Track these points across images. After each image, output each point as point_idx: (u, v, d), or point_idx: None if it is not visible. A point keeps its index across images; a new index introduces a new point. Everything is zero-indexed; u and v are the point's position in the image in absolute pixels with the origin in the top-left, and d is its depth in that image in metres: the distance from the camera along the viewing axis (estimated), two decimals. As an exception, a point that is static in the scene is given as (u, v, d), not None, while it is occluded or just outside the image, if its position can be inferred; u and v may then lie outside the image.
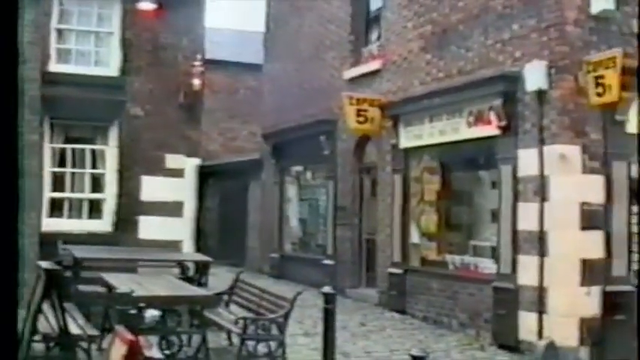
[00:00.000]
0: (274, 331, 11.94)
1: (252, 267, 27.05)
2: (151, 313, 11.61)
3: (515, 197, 14.17)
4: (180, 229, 19.09)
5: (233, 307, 13.97)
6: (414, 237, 17.83)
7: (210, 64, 33.12)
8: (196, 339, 11.88)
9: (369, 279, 19.98)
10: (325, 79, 21.83)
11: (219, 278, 21.97)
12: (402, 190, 17.92)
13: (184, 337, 11.79)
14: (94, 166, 18.31)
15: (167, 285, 12.67)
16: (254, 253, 27.62)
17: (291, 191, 25.44)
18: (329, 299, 11.39)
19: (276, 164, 25.58)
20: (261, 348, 11.91)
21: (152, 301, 11.29)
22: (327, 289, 11.56)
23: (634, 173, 13.81)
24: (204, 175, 32.24)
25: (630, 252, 13.70)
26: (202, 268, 16.87)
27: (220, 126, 34.21)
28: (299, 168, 25.04)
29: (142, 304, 10.05)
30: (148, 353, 11.44)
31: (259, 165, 27.15)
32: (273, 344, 11.91)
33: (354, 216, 20.65)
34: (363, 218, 20.52)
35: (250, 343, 11.81)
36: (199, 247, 31.47)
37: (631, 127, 13.59)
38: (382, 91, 18.78)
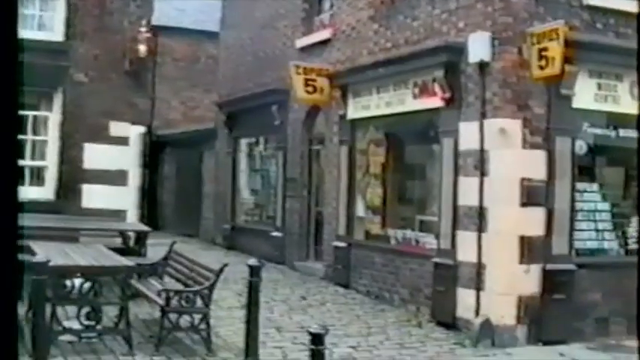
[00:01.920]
0: (199, 303, 11.59)
1: (206, 238, 26.81)
2: (78, 283, 11.20)
3: (456, 171, 13.83)
4: (124, 199, 18.57)
5: (166, 279, 13.64)
6: (360, 210, 17.50)
7: (173, 31, 32.87)
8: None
9: (317, 252, 19.65)
10: (278, 48, 21.41)
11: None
12: (348, 163, 17.56)
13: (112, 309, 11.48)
14: (35, 133, 17.79)
15: (92, 255, 12.26)
16: (208, 223, 27.31)
17: (244, 162, 25.07)
18: (254, 272, 10.99)
19: (229, 134, 25.14)
20: (185, 320, 11.59)
21: (69, 271, 10.94)
22: (252, 261, 11.16)
23: (578, 149, 13.51)
24: (162, 144, 31.99)
25: (572, 230, 13.37)
26: (141, 238, 16.51)
27: (181, 94, 33.69)
28: (252, 138, 24.64)
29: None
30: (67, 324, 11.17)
31: (214, 134, 26.72)
32: (197, 317, 11.57)
33: (303, 188, 20.30)
34: (312, 190, 20.19)
35: (174, 315, 11.49)
36: (155, 217, 31.36)
37: (577, 102, 13.25)
38: (332, 60, 18.37)
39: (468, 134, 13.50)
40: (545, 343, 12.89)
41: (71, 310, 11.31)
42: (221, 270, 11.55)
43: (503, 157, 13.00)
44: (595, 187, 13.98)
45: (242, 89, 23.49)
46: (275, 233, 21.18)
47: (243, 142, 25.08)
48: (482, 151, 13.15)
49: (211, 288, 11.57)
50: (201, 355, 11.37)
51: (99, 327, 11.13)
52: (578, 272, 13.29)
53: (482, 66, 13.19)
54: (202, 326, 11.54)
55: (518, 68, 12.98)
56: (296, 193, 20.39)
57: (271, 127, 21.48)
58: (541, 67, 12.63)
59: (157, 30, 30.98)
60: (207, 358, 11.24)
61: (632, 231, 14.35)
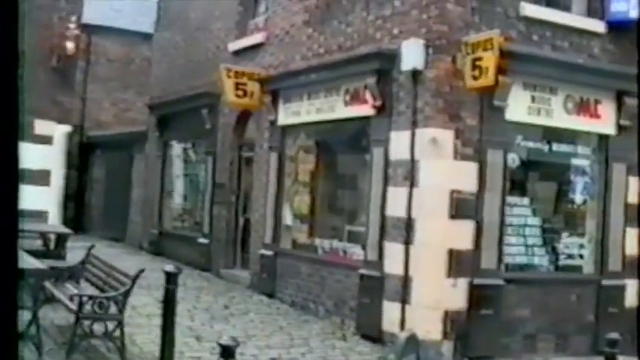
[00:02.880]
0: (113, 309, 11.12)
1: (133, 242, 26.27)
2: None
3: (386, 181, 13.50)
4: (46, 199, 18.02)
5: (84, 284, 13.16)
6: (287, 218, 17.13)
7: (107, 31, 32.28)
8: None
9: (244, 260, 19.22)
10: (211, 51, 20.94)
11: (99, 252, 21.14)
12: (277, 169, 17.16)
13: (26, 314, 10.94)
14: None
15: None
16: (136, 228, 26.72)
17: (174, 166, 24.52)
18: (171, 278, 10.56)
19: (159, 137, 24.59)
20: (98, 327, 11.11)
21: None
22: (169, 267, 10.74)
23: (510, 162, 13.28)
24: (92, 145, 31.36)
25: (501, 244, 13.12)
26: (61, 241, 16.03)
27: (114, 96, 33.02)
28: (182, 142, 24.12)
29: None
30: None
31: (144, 137, 26.14)
32: (110, 324, 11.10)
33: (231, 194, 19.86)
34: (241, 197, 19.75)
35: (87, 322, 11.01)
36: (82, 220, 30.74)
37: (510, 114, 13.02)
38: (264, 65, 17.95)
39: (398, 144, 13.19)
40: (472, 359, 12.60)
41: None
42: (137, 276, 11.09)
43: (433, 167, 12.71)
44: (526, 201, 13.82)
45: (174, 92, 23.00)
46: (202, 240, 20.71)
47: (174, 146, 24.53)
48: (412, 161, 12.84)
49: (126, 294, 11.11)
50: (114, 363, 10.91)
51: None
52: (507, 287, 13.08)
53: (415, 74, 12.87)
54: (116, 333, 11.06)
55: (451, 77, 12.70)
56: (224, 200, 19.95)
57: (202, 131, 21.02)
58: (474, 77, 12.36)
59: (91, 29, 30.66)
60: (120, 367, 10.78)
61: (561, 247, 14.21)
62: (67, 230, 16.24)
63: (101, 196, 30.58)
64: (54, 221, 18.08)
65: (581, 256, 14.50)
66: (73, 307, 11.06)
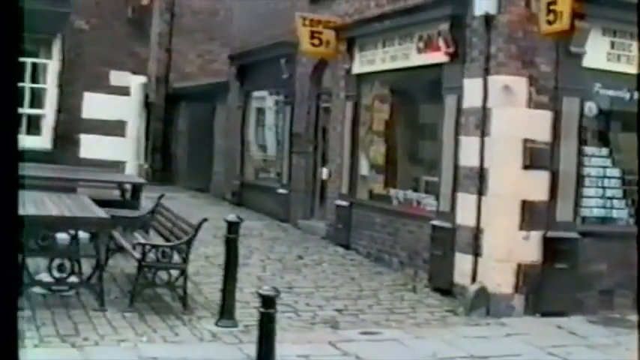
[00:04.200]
0: (176, 258, 11.07)
1: (216, 193, 26.36)
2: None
3: (458, 131, 13.13)
4: (123, 150, 18.00)
5: (152, 234, 13.16)
6: (363, 169, 16.87)
7: (192, -16, 32.27)
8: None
9: (322, 211, 19.04)
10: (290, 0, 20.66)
11: (182, 203, 21.28)
12: (352, 119, 16.89)
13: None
14: (34, 81, 17.21)
15: (70, 205, 11.73)
16: (219, 179, 26.78)
17: (254, 116, 24.45)
18: (232, 228, 10.45)
19: (240, 87, 24.51)
20: (162, 276, 11.10)
21: (40, 221, 10.38)
22: (231, 217, 10.65)
23: (588, 111, 12.79)
24: (177, 97, 31.46)
25: (577, 196, 12.67)
26: (137, 191, 16.07)
27: (199, 48, 32.95)
28: (262, 92, 23.96)
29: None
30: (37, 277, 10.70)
31: (226, 88, 26.08)
32: (174, 272, 11.06)
33: (309, 144, 19.68)
34: (319, 147, 19.52)
35: (150, 271, 11.03)
36: (169, 172, 30.98)
37: (588, 61, 12.50)
38: (340, 13, 17.63)
39: (471, 91, 12.79)
40: (544, 315, 12.25)
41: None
42: (200, 225, 11.00)
43: (505, 116, 12.30)
44: (605, 151, 13.25)
45: (254, 42, 22.81)
46: (281, 190, 20.61)
47: (254, 96, 24.42)
48: (484, 109, 12.44)
49: (189, 243, 11.05)
50: (176, 312, 10.86)
51: (70, 280, 10.60)
52: (583, 241, 12.62)
53: (488, 19, 12.42)
54: (179, 282, 11.02)
55: (525, 23, 12.22)
56: (302, 150, 19.77)
57: (280, 80, 20.83)
58: (549, 22, 11.87)
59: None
60: (182, 315, 10.74)
61: (645, 199, 13.63)
62: (141, 180, 16.32)
63: (186, 148, 30.70)
64: (131, 172, 18.06)
65: (663, 209, 13.93)
66: (137, 255, 11.05)
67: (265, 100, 23.87)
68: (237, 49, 24.88)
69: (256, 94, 24.30)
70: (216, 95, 27.53)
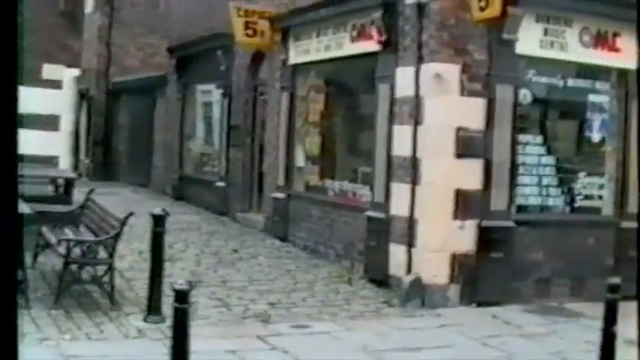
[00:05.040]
0: (102, 254, 10.80)
1: (157, 187, 26.05)
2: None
3: (391, 120, 12.96)
4: (56, 144, 17.70)
5: (83, 229, 12.87)
6: (299, 160, 16.68)
7: (131, -25, 31.83)
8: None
9: (260, 203, 18.82)
10: (227, -11, 20.36)
11: (122, 198, 20.97)
12: (288, 110, 16.67)
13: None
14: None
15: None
16: (159, 173, 26.48)
17: (192, 109, 24.15)
18: (158, 222, 10.19)
19: (178, 80, 24.24)
20: (87, 272, 10.84)
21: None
22: (157, 210, 10.37)
23: (522, 98, 12.67)
24: (117, 92, 31.05)
25: (512, 184, 12.56)
26: (69, 186, 15.77)
27: (139, 41, 32.50)
28: (200, 84, 23.72)
29: None
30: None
31: (165, 81, 25.75)
32: (100, 268, 10.79)
33: (246, 136, 19.44)
34: (256, 139, 19.28)
35: (76, 267, 10.76)
36: (110, 167, 30.62)
37: (521, 48, 12.37)
38: (275, 2, 17.40)
39: (404, 80, 12.62)
40: (480, 304, 12.14)
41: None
42: (126, 219, 10.75)
43: (438, 104, 12.13)
44: (540, 139, 13.16)
45: (192, 34, 22.51)
46: (219, 183, 20.37)
47: (192, 89, 24.18)
48: (417, 97, 12.27)
49: (116, 238, 10.78)
50: (104, 309, 10.59)
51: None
52: (518, 229, 12.53)
53: (420, 6, 12.24)
54: (105, 279, 10.74)
55: (457, 9, 12.06)
56: (240, 142, 19.54)
57: (217, 72, 20.56)
58: (481, 9, 11.73)
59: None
60: (110, 312, 10.47)
61: (579, 187, 13.58)
62: (73, 175, 16.07)
63: (127, 142, 30.37)
64: (65, 166, 17.75)
65: (600, 197, 13.87)
66: (62, 251, 10.77)
67: (203, 92, 23.58)
68: (176, 41, 24.56)
69: (194, 86, 24.05)
70: (155, 89, 27.21)
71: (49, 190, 16.42)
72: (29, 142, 16.32)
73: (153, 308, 10.12)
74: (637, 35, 11.67)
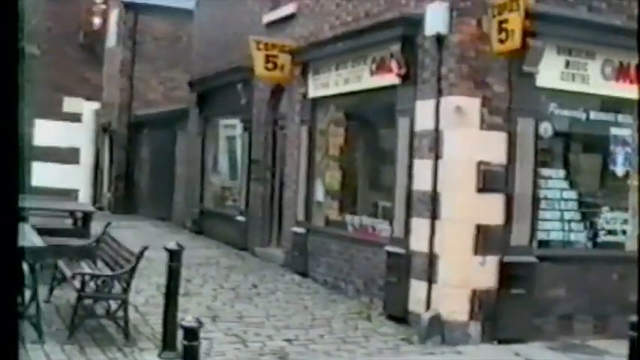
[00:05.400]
0: (117, 289, 10.68)
1: (178, 221, 25.99)
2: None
3: (411, 154, 12.82)
4: (76, 178, 17.71)
5: (100, 263, 12.78)
6: (319, 194, 16.54)
7: (153, 10, 31.91)
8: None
9: (279, 238, 18.68)
10: (246, 24, 20.34)
11: (142, 232, 20.91)
12: (307, 144, 16.58)
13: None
14: (-17, 107, 16.82)
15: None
16: (180, 207, 26.46)
17: (213, 143, 24.13)
18: (174, 256, 10.06)
19: (199, 114, 24.27)
20: (101, 307, 10.73)
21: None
22: (172, 245, 10.23)
23: (543, 132, 12.50)
24: (139, 125, 31.10)
25: (534, 219, 12.35)
26: (87, 219, 15.71)
27: (161, 75, 32.59)
28: (220, 118, 23.71)
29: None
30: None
31: (187, 115, 25.77)
32: (114, 303, 10.67)
33: (266, 170, 19.37)
34: (277, 173, 19.18)
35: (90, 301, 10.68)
36: (132, 200, 30.62)
37: (541, 80, 12.22)
38: (295, 36, 17.38)
39: (423, 113, 12.49)
40: (501, 342, 11.89)
41: None
42: (141, 254, 10.62)
43: (458, 138, 11.97)
44: (561, 173, 12.96)
45: (213, 68, 22.55)
46: (239, 218, 20.25)
47: (213, 123, 24.17)
48: (437, 131, 12.13)
49: (131, 272, 10.66)
50: (118, 344, 10.46)
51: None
52: (540, 265, 12.28)
53: (440, 39, 12.13)
54: (120, 313, 10.62)
55: (477, 42, 11.93)
56: (259, 176, 19.46)
57: (238, 106, 20.54)
58: (501, 41, 11.60)
59: (136, 8, 30.31)
60: (124, 347, 10.34)
61: (602, 222, 13.35)
62: (92, 208, 15.96)
63: (148, 176, 30.39)
64: (85, 199, 17.72)
65: (623, 232, 13.62)
66: (76, 285, 10.67)
67: (224, 126, 23.53)
68: (196, 74, 24.59)
69: (215, 120, 24.01)
70: (177, 122, 27.24)
71: (68, 223, 16.37)
72: (50, 175, 16.45)
73: (168, 344, 9.96)
74: (637, 43, 11.53)
